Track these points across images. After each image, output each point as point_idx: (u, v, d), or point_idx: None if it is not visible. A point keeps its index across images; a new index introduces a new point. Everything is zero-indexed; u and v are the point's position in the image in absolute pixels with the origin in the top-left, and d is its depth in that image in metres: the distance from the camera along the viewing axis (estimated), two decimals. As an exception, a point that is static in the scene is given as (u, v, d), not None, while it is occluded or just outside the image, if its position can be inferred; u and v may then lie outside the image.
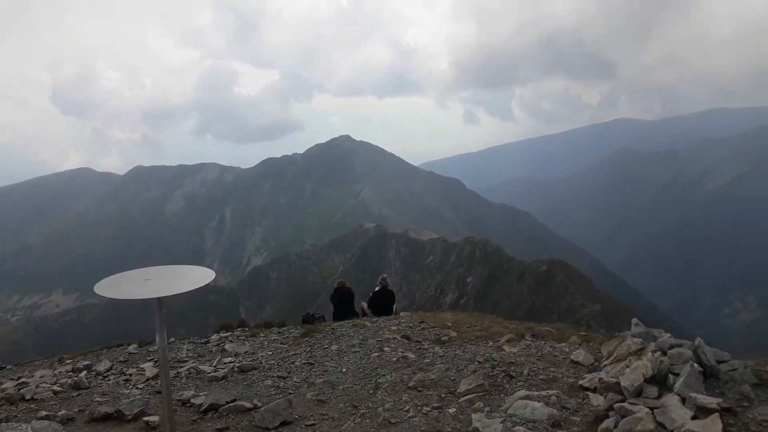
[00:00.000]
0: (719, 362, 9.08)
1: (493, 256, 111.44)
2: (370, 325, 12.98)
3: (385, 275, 17.31)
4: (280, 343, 11.93)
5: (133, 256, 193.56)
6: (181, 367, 10.45)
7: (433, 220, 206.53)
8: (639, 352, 9.03)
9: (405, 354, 10.20)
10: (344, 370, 9.60)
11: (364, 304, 16.36)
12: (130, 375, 10.33)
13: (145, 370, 10.38)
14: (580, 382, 8.29)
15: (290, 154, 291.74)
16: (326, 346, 11.20)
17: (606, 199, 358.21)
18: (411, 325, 12.88)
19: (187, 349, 12.04)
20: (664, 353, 8.62)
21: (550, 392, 7.81)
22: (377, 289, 16.46)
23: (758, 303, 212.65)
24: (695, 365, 8.18)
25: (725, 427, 6.91)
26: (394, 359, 9.94)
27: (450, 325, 12.68)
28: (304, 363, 10.21)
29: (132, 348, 12.52)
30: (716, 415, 6.93)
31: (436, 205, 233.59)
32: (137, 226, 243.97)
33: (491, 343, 10.53)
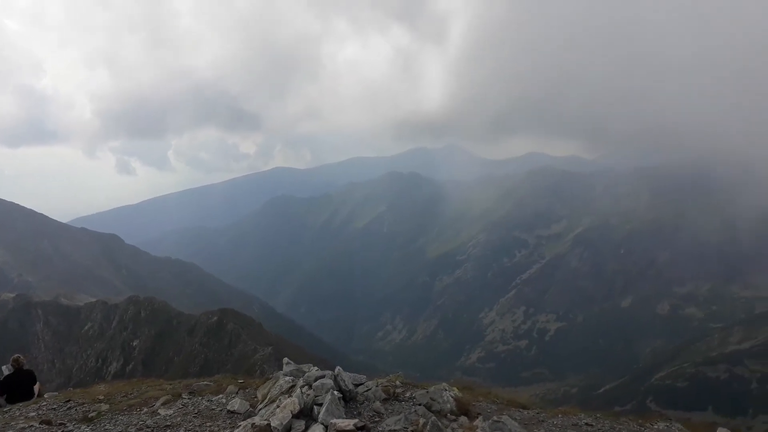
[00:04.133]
0: (357, 385, 10.31)
1: (160, 313, 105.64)
2: (0, 416, 11.11)
3: (18, 355, 15.03)
4: None
5: None
6: None
7: (89, 282, 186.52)
8: (290, 390, 9.66)
9: (43, 442, 9.02)
10: (-42, 480, 8.04)
11: (-6, 393, 13.93)
12: None
13: None
14: (235, 431, 8.45)
15: None
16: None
17: (270, 244, 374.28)
18: (55, 406, 11.47)
19: None
20: (311, 386, 9.40)
21: (205, 448, 7.80)
22: (9, 372, 14.21)
23: (404, 323, 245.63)
24: (335, 393, 9.14)
25: (360, 443, 7.85)
26: (29, 451, 8.72)
27: (102, 398, 11.69)
28: None
29: None
30: (351, 434, 7.84)
31: (92, 265, 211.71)
32: None
33: (146, 409, 10.03)
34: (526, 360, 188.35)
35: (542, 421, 10.89)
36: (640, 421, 11.78)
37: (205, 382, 11.30)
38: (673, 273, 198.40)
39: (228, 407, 9.60)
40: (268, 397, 9.70)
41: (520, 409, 11.72)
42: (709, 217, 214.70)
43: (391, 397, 10.04)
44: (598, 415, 11.87)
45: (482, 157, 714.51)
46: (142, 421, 9.25)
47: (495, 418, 8.91)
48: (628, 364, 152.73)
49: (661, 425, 11.62)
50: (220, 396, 10.26)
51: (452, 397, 10.11)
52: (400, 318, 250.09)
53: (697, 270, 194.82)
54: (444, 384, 10.79)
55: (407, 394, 10.30)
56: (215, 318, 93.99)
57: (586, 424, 10.97)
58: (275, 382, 10.13)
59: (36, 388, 14.40)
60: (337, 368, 9.87)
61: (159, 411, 9.78)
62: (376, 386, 10.20)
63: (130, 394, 11.68)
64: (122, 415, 9.89)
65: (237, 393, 10.38)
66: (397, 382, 11.29)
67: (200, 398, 10.32)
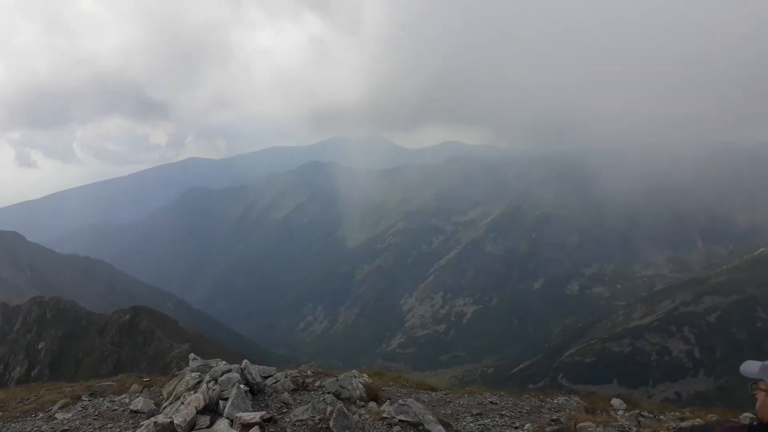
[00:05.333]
0: (265, 377, 10.26)
1: (67, 313, 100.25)
2: None
3: None
4: None
5: None
6: None
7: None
8: (197, 386, 9.49)
9: None
10: None
11: None
12: None
13: None
14: (138, 431, 8.25)
15: None
16: None
17: (184, 238, 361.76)
18: (-60, 418, 10.71)
19: None
20: (217, 381, 9.28)
21: (103, 450, 7.57)
22: None
23: (325, 314, 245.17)
24: (242, 386, 9.07)
25: (266, 435, 7.85)
26: None
27: (-6, 405, 11.04)
28: None
29: None
30: (256, 427, 7.83)
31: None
32: None
33: (42, 414, 9.59)
34: (445, 343, 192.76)
35: (449, 402, 11.27)
36: (541, 396, 12.43)
37: (107, 383, 10.91)
38: (580, 255, 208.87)
39: (131, 407, 9.34)
40: (173, 395, 9.50)
41: (429, 392, 12.08)
42: (611, 202, 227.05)
43: (300, 388, 10.08)
44: (502, 393, 12.42)
45: (400, 146, 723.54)
46: (37, 427, 8.85)
47: (401, 401, 9.13)
48: (541, 343, 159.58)
49: (561, 399, 12.30)
50: (123, 396, 9.95)
51: (362, 384, 10.26)
52: (322, 308, 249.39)
53: (602, 252, 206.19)
54: (354, 371, 10.94)
55: (317, 384, 10.37)
56: (127, 316, 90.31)
57: (491, 402, 11.45)
58: (181, 379, 9.94)
59: None
60: (244, 361, 9.79)
61: (56, 415, 9.38)
62: (285, 377, 10.20)
63: (26, 399, 11.12)
64: (15, 422, 9.41)
65: (141, 392, 10.10)
66: (308, 372, 11.33)
67: (102, 399, 9.97)
